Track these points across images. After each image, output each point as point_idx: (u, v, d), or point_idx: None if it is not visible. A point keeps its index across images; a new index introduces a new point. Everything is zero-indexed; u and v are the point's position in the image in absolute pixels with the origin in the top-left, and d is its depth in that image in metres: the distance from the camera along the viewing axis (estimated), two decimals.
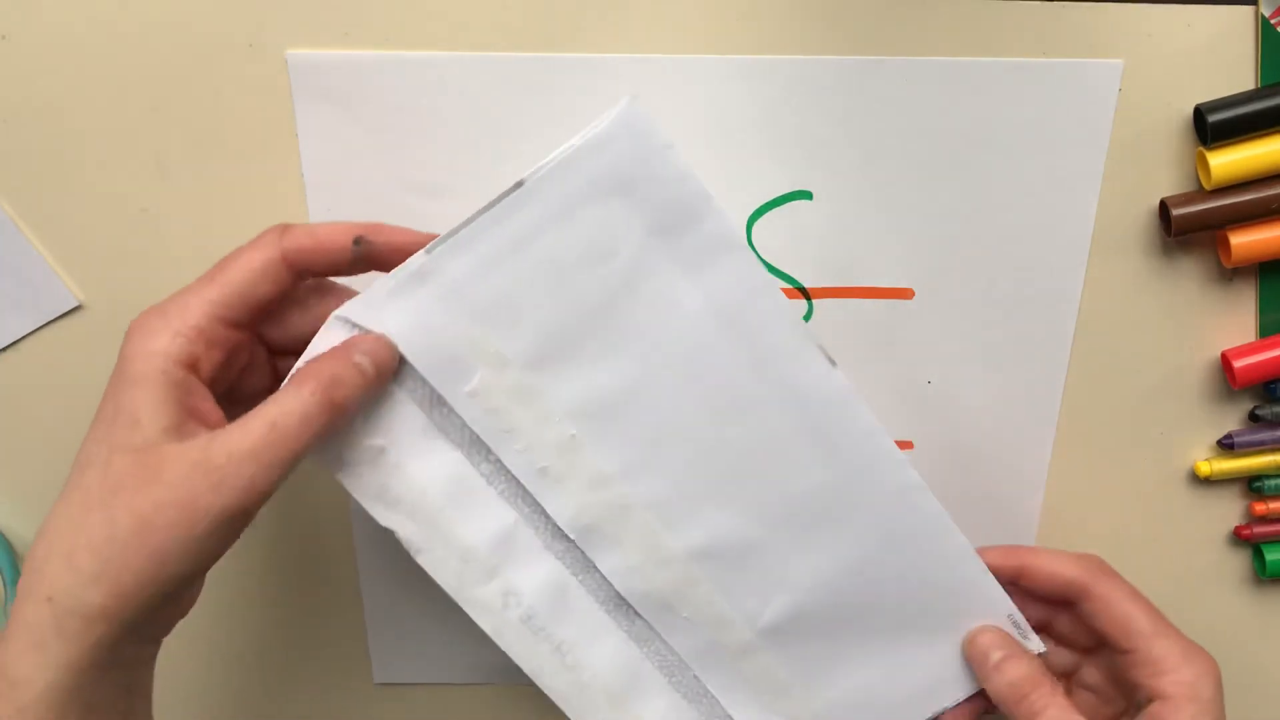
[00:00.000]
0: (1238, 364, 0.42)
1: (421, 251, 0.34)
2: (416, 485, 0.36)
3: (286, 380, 0.34)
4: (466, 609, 0.38)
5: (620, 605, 0.39)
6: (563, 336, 0.36)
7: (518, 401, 0.36)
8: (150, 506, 0.31)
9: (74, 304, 0.44)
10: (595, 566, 0.38)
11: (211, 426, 0.33)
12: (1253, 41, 0.38)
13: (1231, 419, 0.44)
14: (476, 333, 0.35)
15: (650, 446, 0.37)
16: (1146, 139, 0.40)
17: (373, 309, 0.35)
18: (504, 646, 0.38)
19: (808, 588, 0.39)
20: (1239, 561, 0.47)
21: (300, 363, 0.34)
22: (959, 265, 0.42)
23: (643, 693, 0.40)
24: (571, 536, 0.38)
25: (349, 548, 0.48)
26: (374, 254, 0.35)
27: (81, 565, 0.31)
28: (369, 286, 0.35)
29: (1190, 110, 0.39)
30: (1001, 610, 0.40)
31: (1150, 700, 0.37)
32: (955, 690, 0.41)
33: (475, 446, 0.37)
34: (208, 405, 0.34)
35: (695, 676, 0.40)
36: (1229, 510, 0.46)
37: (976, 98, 0.39)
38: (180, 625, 0.51)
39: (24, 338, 0.44)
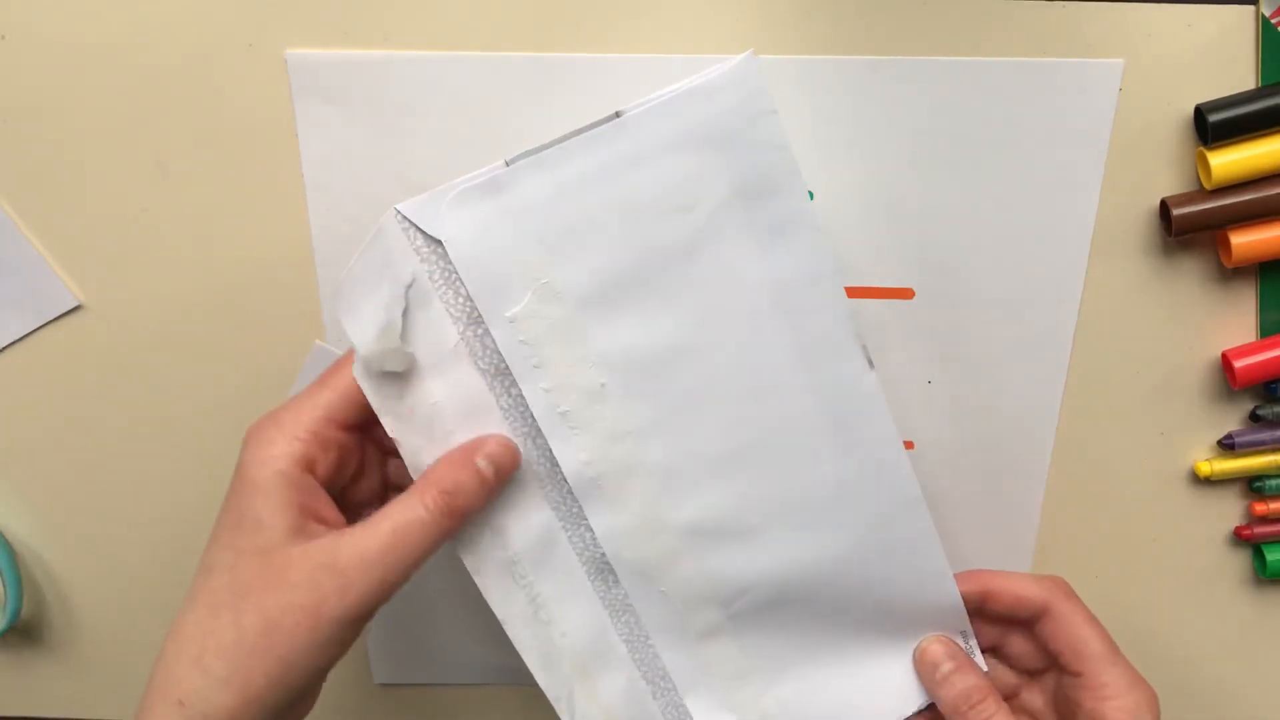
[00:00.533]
0: (1238, 364, 0.42)
1: (500, 162, 0.33)
2: (432, 402, 0.36)
3: (413, 487, 0.35)
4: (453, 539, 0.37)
5: (601, 570, 0.39)
6: (619, 281, 0.35)
7: (557, 338, 0.35)
8: (278, 609, 0.32)
9: (74, 304, 0.44)
10: (587, 524, 0.38)
11: (332, 527, 0.34)
12: (1253, 41, 0.38)
13: (1232, 419, 0.44)
14: (534, 258, 0.34)
15: (674, 411, 0.37)
16: (1146, 139, 0.40)
17: (434, 210, 0.34)
18: (480, 585, 0.37)
19: (786, 580, 0.39)
20: (1239, 561, 0.47)
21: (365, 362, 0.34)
22: (959, 265, 0.42)
23: (607, 665, 0.40)
24: (573, 488, 0.37)
25: None
26: None
27: (211, 668, 0.32)
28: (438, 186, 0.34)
29: (1190, 110, 0.39)
30: (955, 626, 0.40)
31: None
32: (907, 704, 0.41)
33: (500, 376, 0.36)
34: (326, 506, 0.35)
35: (656, 655, 0.40)
36: (1229, 510, 0.46)
37: (976, 98, 0.39)
38: None
39: (24, 338, 0.44)
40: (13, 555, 0.49)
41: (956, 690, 0.38)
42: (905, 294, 0.42)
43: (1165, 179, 0.40)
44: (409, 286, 0.35)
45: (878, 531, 0.38)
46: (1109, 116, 0.39)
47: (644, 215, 0.34)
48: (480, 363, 0.36)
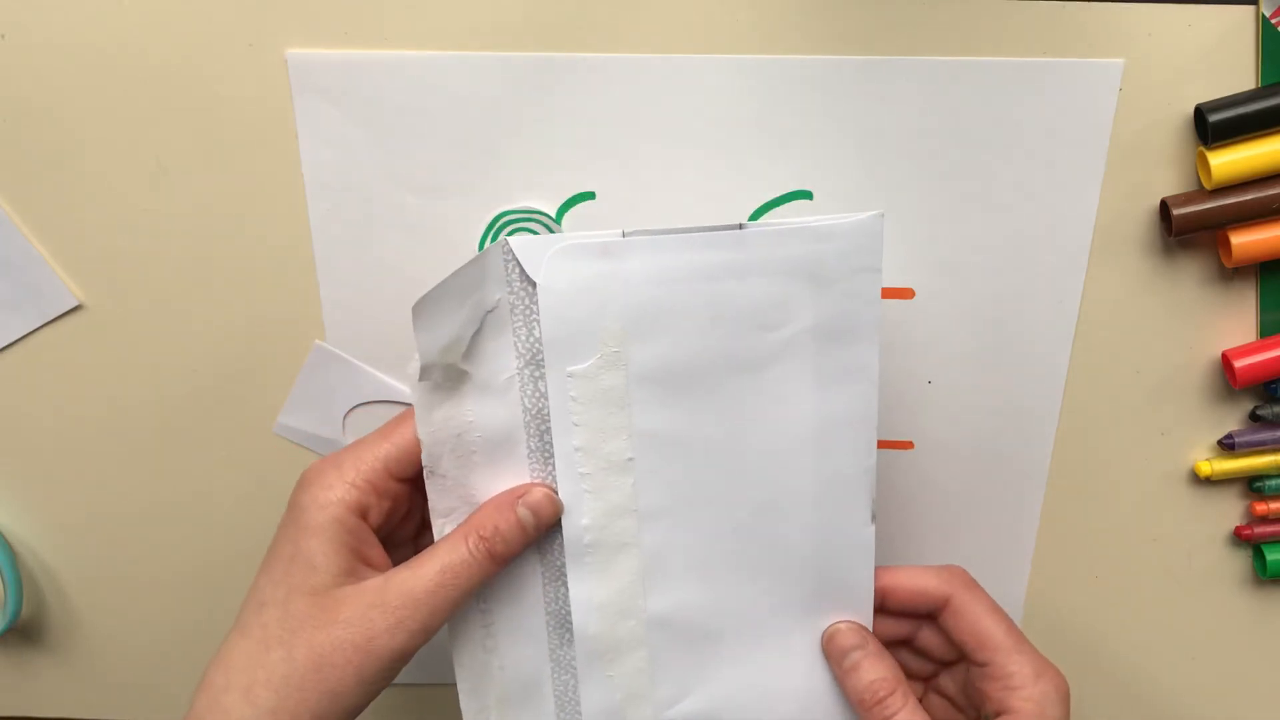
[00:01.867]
0: (1238, 364, 0.42)
1: (617, 230, 0.35)
2: (468, 420, 0.37)
3: (458, 529, 0.36)
4: (434, 530, 0.38)
5: (560, 626, 0.39)
6: (682, 372, 0.36)
7: (605, 404, 0.36)
8: (329, 645, 0.34)
9: (74, 304, 0.44)
10: (565, 585, 0.38)
11: (379, 569, 0.36)
12: (1253, 41, 0.38)
13: (1232, 419, 0.44)
14: (615, 327, 0.35)
15: (683, 503, 0.38)
16: (1147, 139, 0.40)
17: (540, 252, 0.35)
18: None
19: (724, 697, 0.40)
20: (1239, 561, 0.47)
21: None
22: (959, 265, 0.42)
23: (530, 712, 0.40)
24: (565, 547, 0.38)
25: None
26: None
27: (260, 700, 0.34)
28: (560, 236, 0.35)
29: (1190, 110, 0.39)
30: None
31: (998, 715, 0.38)
32: None
33: (538, 420, 0.37)
34: (376, 551, 0.37)
35: None
36: (1229, 510, 0.46)
37: (976, 98, 0.39)
38: (181, 625, 0.51)
39: (24, 338, 0.44)
40: (13, 555, 0.49)
41: (864, 681, 0.38)
42: (905, 294, 0.42)
43: (1165, 179, 0.40)
44: (490, 311, 0.36)
45: (824, 672, 0.40)
46: (1109, 116, 0.39)
47: (729, 322, 0.36)
48: (525, 400, 0.37)
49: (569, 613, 0.39)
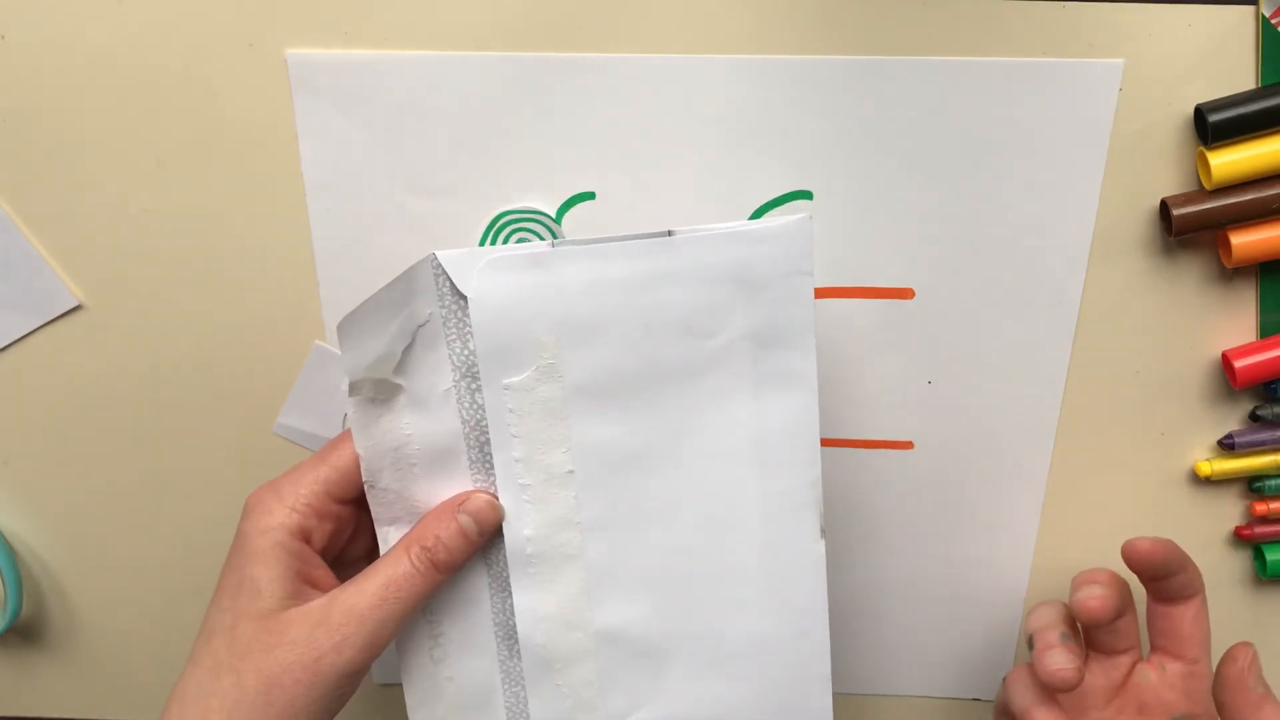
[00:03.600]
0: (1238, 364, 0.42)
1: (546, 241, 0.35)
2: (406, 433, 0.37)
3: (399, 542, 0.37)
4: (381, 545, 0.38)
5: (509, 638, 0.39)
6: (619, 382, 0.36)
7: (542, 415, 0.36)
8: (277, 668, 0.34)
9: (74, 304, 0.44)
10: (510, 595, 0.38)
11: (325, 590, 0.36)
12: (1253, 41, 0.38)
13: (1232, 419, 0.44)
14: (548, 338, 0.35)
15: (626, 516, 0.37)
16: (1147, 139, 0.40)
17: (470, 265, 0.35)
18: None
19: (677, 714, 0.39)
20: (1239, 561, 0.47)
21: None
22: (959, 265, 0.42)
23: None
24: (509, 558, 0.37)
25: None
26: None
27: None
28: (487, 249, 0.35)
29: (1190, 110, 0.39)
30: None
31: None
32: None
33: (476, 431, 0.37)
34: (320, 571, 0.37)
35: None
36: (1229, 510, 0.46)
37: (976, 98, 0.39)
38: (181, 625, 0.51)
39: (24, 338, 0.44)
40: (13, 555, 0.49)
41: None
42: (905, 294, 0.42)
43: (1165, 179, 0.40)
44: (421, 325, 0.36)
45: (777, 694, 0.39)
46: (1109, 116, 0.39)
47: (663, 330, 0.35)
48: (464, 413, 0.37)
49: (513, 627, 0.38)
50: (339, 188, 0.41)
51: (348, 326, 0.35)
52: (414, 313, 0.35)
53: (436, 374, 0.36)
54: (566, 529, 0.37)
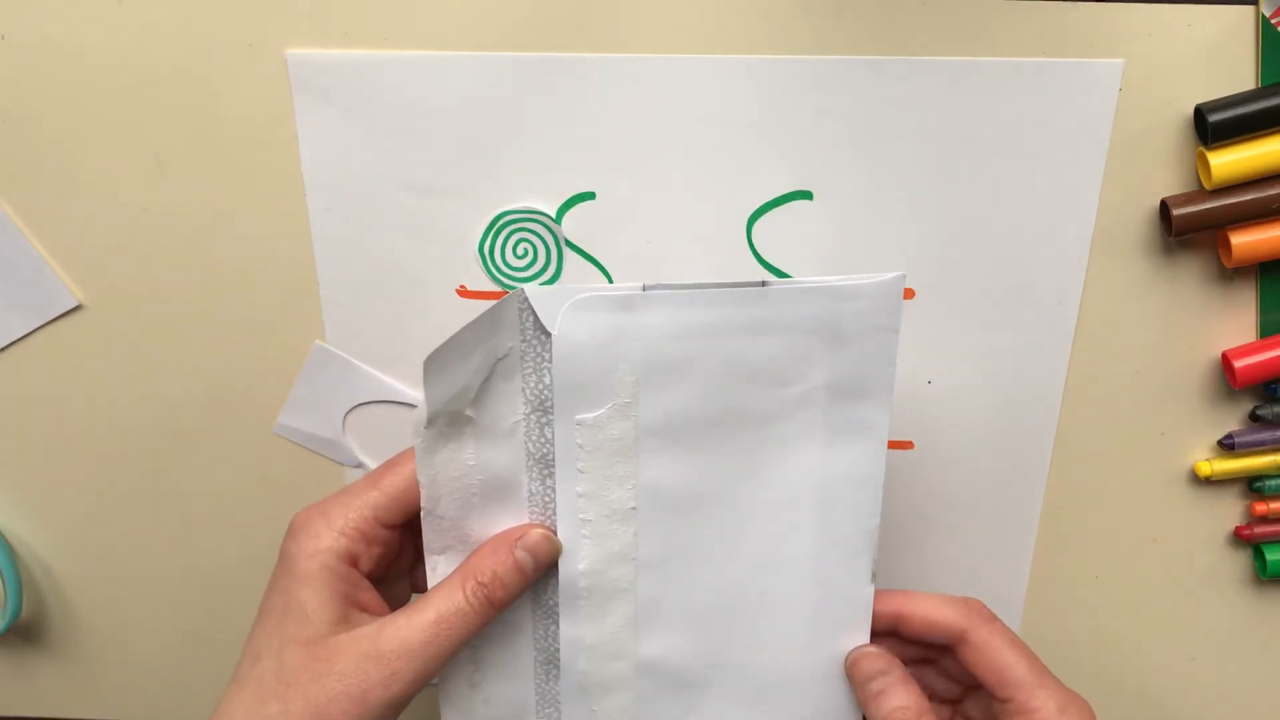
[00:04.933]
0: (1238, 364, 0.42)
1: (637, 284, 0.35)
2: (469, 463, 0.36)
3: (454, 574, 0.36)
4: (429, 572, 0.37)
5: (548, 662, 0.39)
6: (693, 424, 0.36)
7: (612, 453, 0.36)
8: (324, 698, 0.34)
9: (74, 304, 0.44)
10: (556, 621, 0.38)
11: (375, 613, 0.36)
12: (1253, 41, 0.38)
13: (1232, 419, 0.44)
14: (628, 379, 0.35)
15: (682, 554, 0.37)
16: (1147, 139, 0.40)
17: (556, 303, 0.35)
18: None
19: None
20: (1239, 561, 0.47)
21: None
22: (959, 265, 0.42)
23: None
24: (560, 590, 0.37)
25: None
26: None
27: None
28: (578, 287, 0.35)
29: (1190, 110, 0.39)
30: None
31: None
32: None
33: (541, 465, 0.37)
34: (369, 595, 0.36)
35: None
36: (1229, 510, 0.46)
37: (976, 98, 0.39)
38: (181, 625, 0.51)
39: (24, 338, 0.44)
40: (13, 555, 0.49)
41: (888, 707, 0.37)
42: (906, 294, 0.42)
43: (1165, 179, 0.40)
44: (500, 359, 0.36)
45: None
46: (1109, 116, 0.39)
47: (744, 377, 0.36)
48: (530, 445, 0.37)
49: (556, 653, 0.38)
50: (339, 188, 0.41)
51: (433, 363, 0.34)
52: (495, 347, 0.35)
53: (507, 406, 0.36)
54: (622, 564, 0.37)
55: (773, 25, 0.39)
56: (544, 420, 0.36)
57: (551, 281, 0.42)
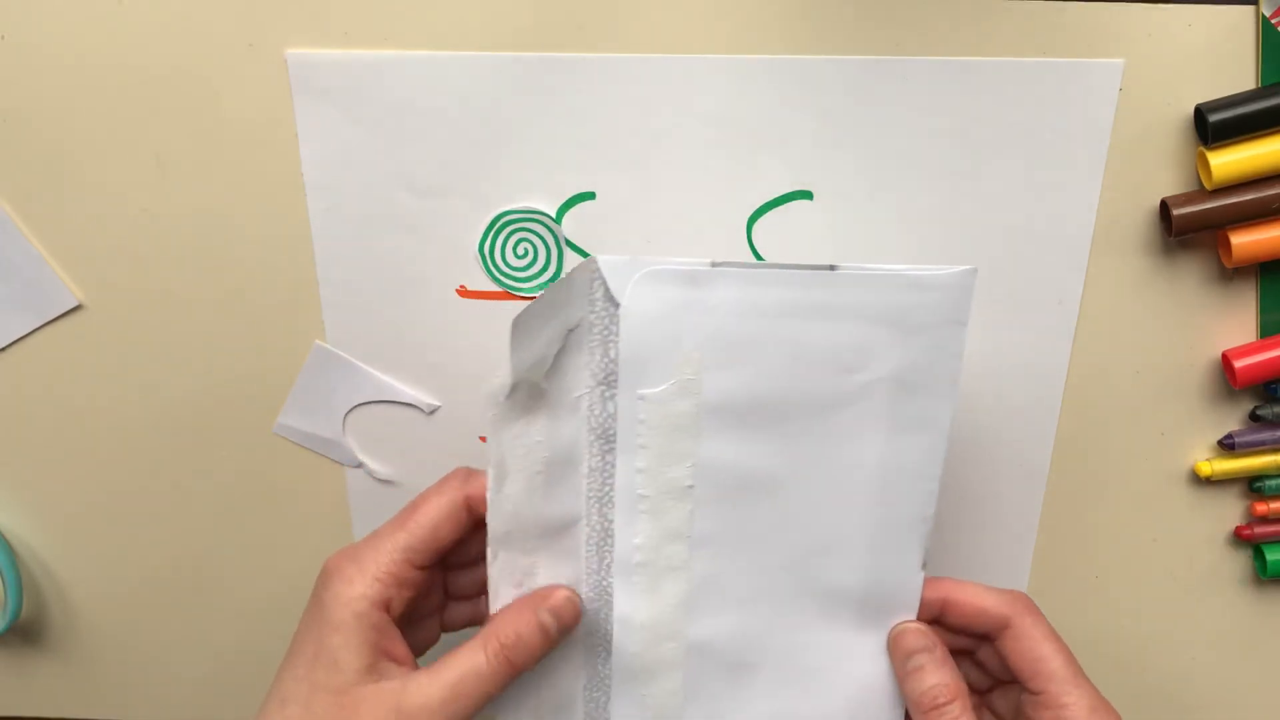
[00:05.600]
0: (1238, 364, 0.42)
1: (706, 260, 0.34)
2: (536, 439, 0.37)
3: (478, 635, 0.37)
4: (489, 561, 0.37)
5: (599, 646, 0.39)
6: (755, 405, 0.36)
7: (673, 430, 0.36)
8: None
9: (74, 304, 0.44)
10: (610, 602, 0.38)
11: (401, 664, 0.36)
12: (1253, 41, 0.38)
13: (1232, 419, 0.44)
14: (694, 355, 0.35)
15: (737, 535, 0.37)
16: (1147, 139, 0.40)
17: (627, 273, 0.35)
18: (492, 609, 0.38)
19: None
20: (1239, 561, 0.47)
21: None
22: (959, 265, 0.42)
23: None
24: (615, 565, 0.37)
25: None
26: None
27: None
28: (650, 259, 0.35)
29: (1190, 110, 0.39)
30: None
31: None
32: None
33: (602, 440, 0.37)
34: (398, 645, 0.37)
35: None
36: (1229, 510, 0.46)
37: (976, 98, 0.39)
38: (181, 625, 0.51)
39: (24, 338, 0.44)
40: (13, 555, 0.49)
41: (926, 684, 0.37)
42: None
43: (1165, 179, 0.40)
44: (572, 330, 0.36)
45: (849, 712, 0.39)
46: (1109, 116, 0.39)
47: (809, 361, 0.35)
48: (592, 420, 0.36)
49: (609, 631, 0.38)
50: (339, 188, 0.41)
51: (518, 326, 0.34)
52: (568, 317, 0.35)
53: (574, 379, 0.36)
54: (676, 541, 0.37)
55: (773, 25, 0.39)
56: (607, 394, 0.36)
57: (551, 282, 0.42)
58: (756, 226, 0.41)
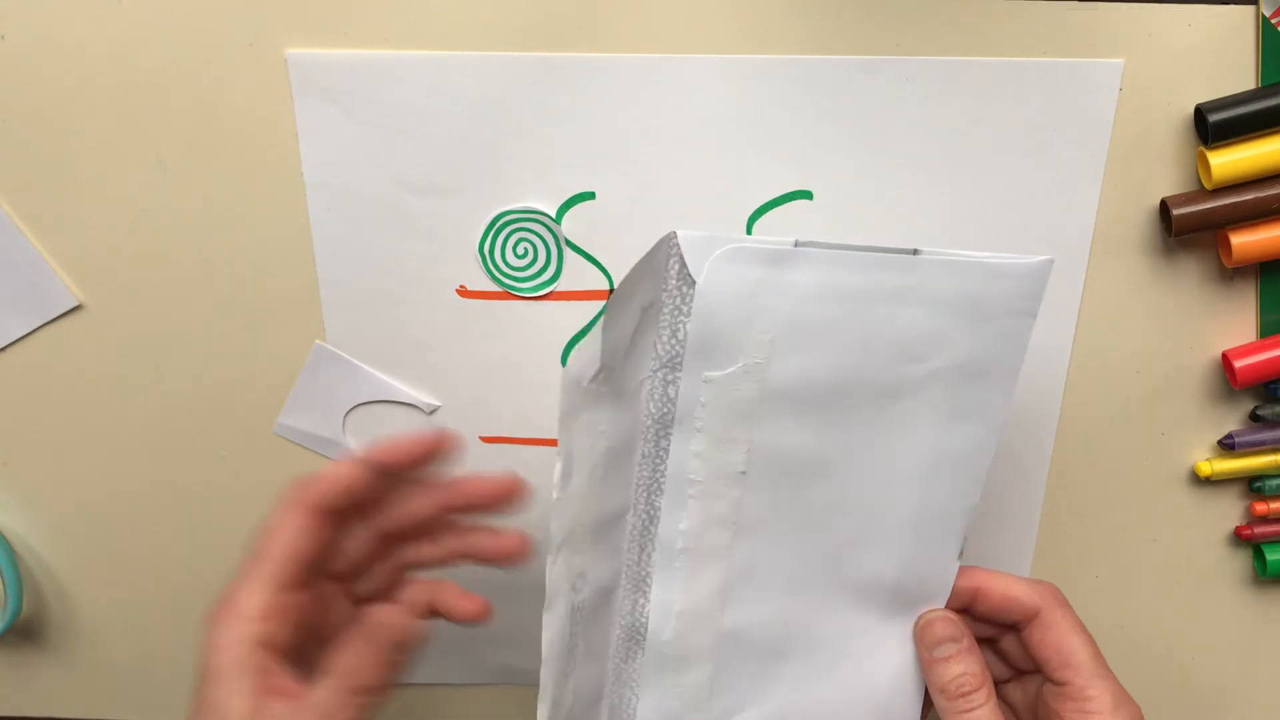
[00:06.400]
0: (1238, 364, 0.42)
1: (789, 239, 0.33)
2: (599, 430, 0.36)
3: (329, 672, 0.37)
4: (549, 570, 0.37)
5: (630, 639, 0.38)
6: (820, 392, 0.35)
7: (732, 413, 0.35)
8: None
9: (74, 304, 0.44)
10: (645, 591, 0.37)
11: (289, 697, 0.36)
12: (1253, 41, 0.38)
13: (1232, 419, 0.44)
14: (764, 338, 0.34)
15: (783, 522, 0.37)
16: (1147, 139, 0.40)
17: (706, 250, 0.33)
18: (545, 620, 0.38)
19: (777, 714, 0.39)
20: (1239, 561, 0.47)
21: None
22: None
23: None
24: (658, 551, 0.36)
25: None
26: (393, 468, 0.38)
27: None
28: (730, 235, 0.34)
29: (1191, 110, 0.39)
30: None
31: None
32: None
33: (659, 426, 0.35)
34: (282, 680, 0.36)
35: None
36: (1229, 510, 0.46)
37: (976, 98, 0.39)
38: (181, 625, 0.51)
39: (24, 338, 0.44)
40: (13, 555, 0.49)
41: (952, 673, 0.37)
42: None
43: (1165, 179, 0.40)
44: (646, 309, 0.35)
45: (873, 699, 0.39)
46: (1109, 116, 0.39)
47: (879, 348, 0.35)
48: (651, 405, 0.35)
49: (643, 624, 0.37)
50: (339, 188, 0.41)
51: (613, 301, 0.33)
52: (647, 293, 0.34)
53: (640, 362, 0.35)
54: (722, 528, 0.36)
55: (772, 25, 0.39)
56: (669, 379, 0.34)
57: (551, 282, 0.42)
58: (756, 226, 0.41)
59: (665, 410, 0.35)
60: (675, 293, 0.33)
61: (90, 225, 0.42)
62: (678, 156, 0.40)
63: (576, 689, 0.39)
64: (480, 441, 0.45)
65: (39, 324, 0.44)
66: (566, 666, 0.39)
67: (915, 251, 0.33)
